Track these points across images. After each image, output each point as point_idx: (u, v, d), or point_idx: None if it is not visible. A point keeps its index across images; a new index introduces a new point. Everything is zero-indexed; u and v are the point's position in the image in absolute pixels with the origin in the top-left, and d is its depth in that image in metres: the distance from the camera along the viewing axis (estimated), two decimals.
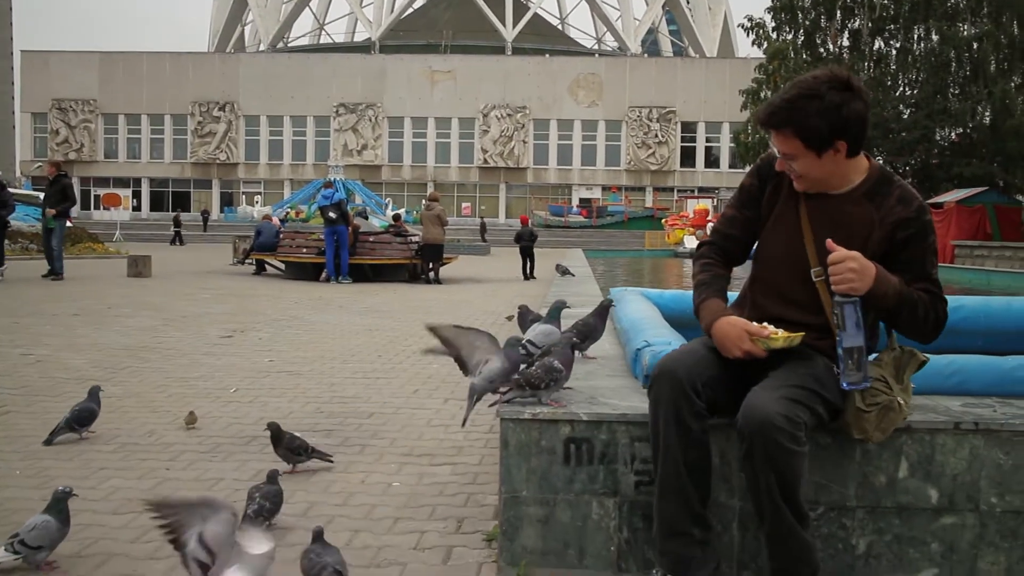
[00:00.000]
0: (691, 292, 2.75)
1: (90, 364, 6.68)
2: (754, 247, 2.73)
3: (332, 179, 24.49)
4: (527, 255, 19.52)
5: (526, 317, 3.97)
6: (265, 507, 3.17)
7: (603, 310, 3.69)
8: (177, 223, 40.03)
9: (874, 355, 2.56)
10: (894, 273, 2.45)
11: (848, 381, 2.40)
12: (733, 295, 2.80)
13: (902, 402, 2.49)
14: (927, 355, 2.61)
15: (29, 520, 2.79)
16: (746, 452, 2.34)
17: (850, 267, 2.34)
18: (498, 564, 2.76)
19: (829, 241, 2.40)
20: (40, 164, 59.13)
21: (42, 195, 16.33)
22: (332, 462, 3.95)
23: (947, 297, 2.57)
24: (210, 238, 40.59)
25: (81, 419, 4.42)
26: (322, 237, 17.35)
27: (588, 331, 3.59)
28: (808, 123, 2.37)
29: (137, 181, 62.05)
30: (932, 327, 2.49)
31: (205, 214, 49.42)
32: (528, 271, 19.30)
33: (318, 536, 2.63)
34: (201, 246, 35.31)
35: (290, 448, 3.80)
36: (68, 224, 18.60)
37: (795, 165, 2.45)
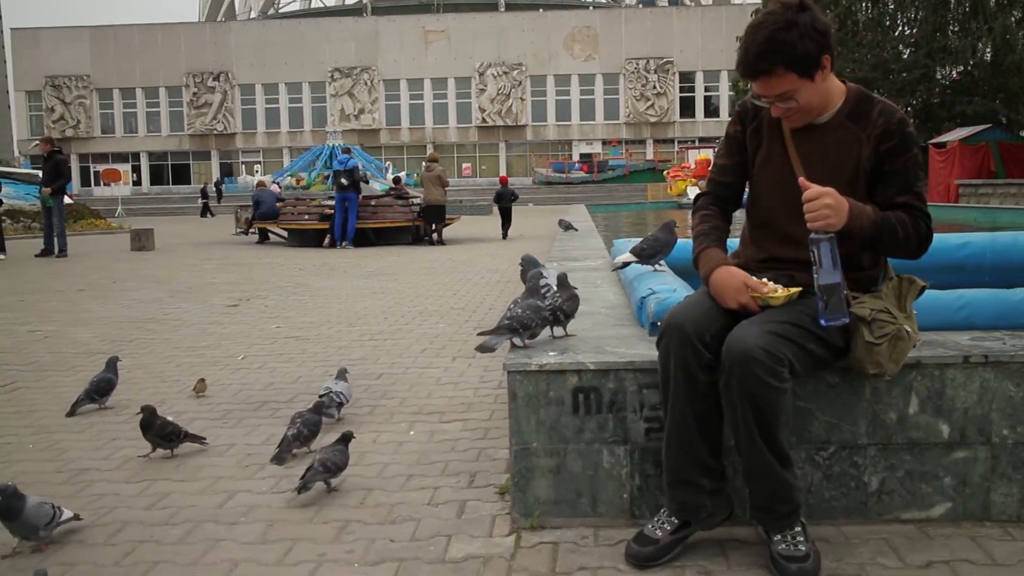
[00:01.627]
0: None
1: (98, 338, 6.70)
2: (746, 194, 2.72)
3: (349, 146, 24.31)
4: (506, 216, 19.29)
5: (527, 269, 3.96)
6: (303, 433, 3.54)
7: (669, 226, 3.73)
8: (205, 195, 40.10)
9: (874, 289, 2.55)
10: (879, 187, 2.46)
11: (826, 318, 2.38)
12: (734, 243, 2.78)
13: (909, 330, 2.48)
14: (926, 281, 2.59)
15: None
16: (725, 383, 2.35)
17: (825, 203, 2.32)
18: (511, 516, 2.77)
19: (802, 180, 2.39)
20: (37, 143, 58.95)
21: (40, 173, 16.28)
22: (205, 445, 3.76)
23: (953, 235, 2.56)
24: (222, 208, 40.40)
25: (100, 389, 4.46)
26: (324, 203, 17.31)
27: (659, 246, 3.67)
28: (797, 51, 2.34)
29: (136, 155, 61.79)
30: (916, 245, 2.46)
31: (218, 185, 48.79)
32: (505, 231, 18.95)
33: (342, 438, 3.16)
34: (220, 217, 35.19)
35: (161, 435, 3.61)
36: (68, 201, 18.57)
37: (797, 98, 2.41)
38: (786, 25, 2.33)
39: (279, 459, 3.42)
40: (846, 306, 2.39)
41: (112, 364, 4.61)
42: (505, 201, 19.54)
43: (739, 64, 2.44)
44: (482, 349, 2.86)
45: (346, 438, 3.27)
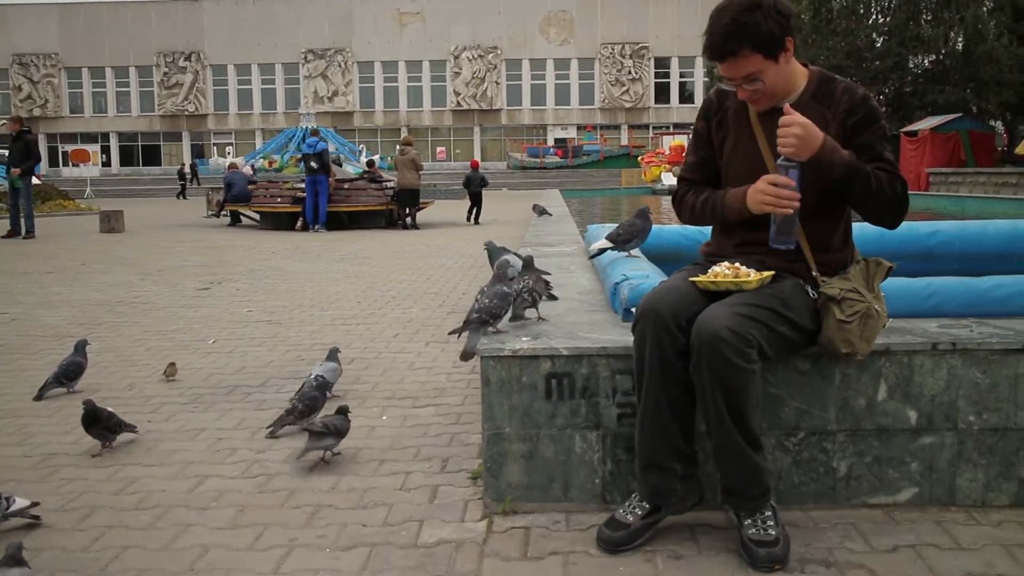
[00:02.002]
0: (668, 227, 2.77)
1: (66, 321, 6.62)
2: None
3: (317, 127, 24.09)
4: (476, 201, 18.89)
5: (495, 254, 3.98)
6: (298, 408, 3.67)
7: (644, 212, 3.75)
8: (181, 176, 39.75)
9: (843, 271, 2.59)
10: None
11: (774, 240, 2.49)
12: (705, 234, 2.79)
13: (879, 309, 2.52)
14: (892, 263, 2.63)
15: None
16: (694, 365, 2.37)
17: (794, 132, 2.38)
18: (484, 501, 2.78)
19: (786, 106, 2.45)
20: (4, 121, 58.05)
21: (7, 152, 16.01)
22: (137, 432, 3.69)
23: (923, 223, 2.59)
24: (199, 191, 40.00)
25: (68, 373, 4.41)
26: (296, 186, 17.19)
27: (634, 231, 3.69)
28: (761, 32, 2.39)
29: (105, 136, 61.03)
30: (891, 203, 2.49)
31: (194, 167, 47.63)
32: (475, 217, 18.61)
33: (338, 411, 3.35)
34: (192, 199, 34.83)
35: (108, 427, 3.49)
36: (36, 181, 18.29)
37: (763, 79, 2.45)
38: (750, 7, 2.39)
39: (272, 432, 3.64)
40: (795, 235, 2.49)
41: (81, 347, 4.56)
42: (475, 186, 19.18)
43: (706, 47, 2.47)
44: (465, 357, 2.88)
45: (342, 411, 3.37)
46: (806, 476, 2.68)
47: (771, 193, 2.45)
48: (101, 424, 3.48)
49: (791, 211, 2.44)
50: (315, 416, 3.62)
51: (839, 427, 2.66)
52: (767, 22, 2.38)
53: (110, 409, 3.61)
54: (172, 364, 4.75)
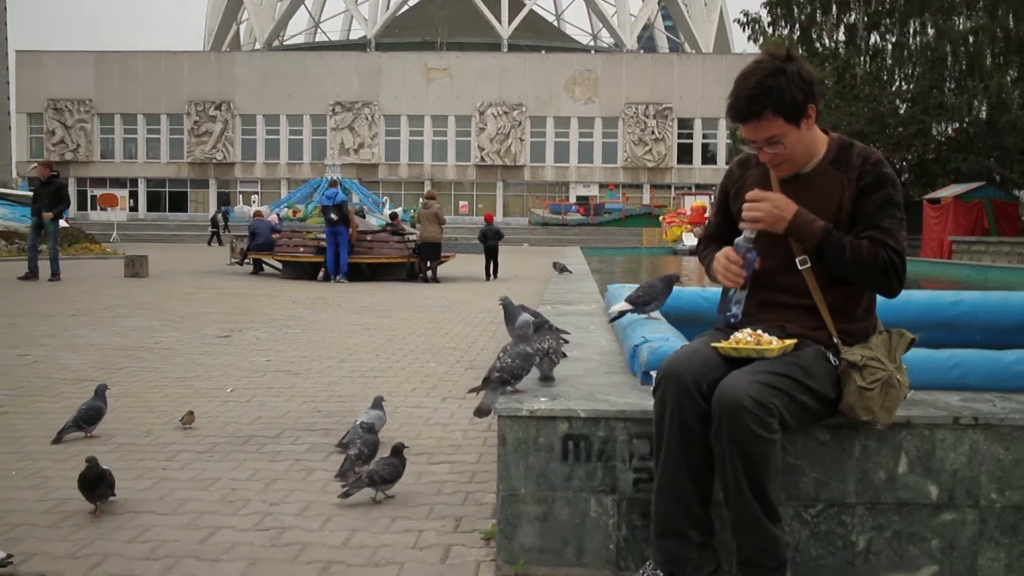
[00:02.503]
0: (688, 289, 2.79)
1: (87, 364, 6.66)
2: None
3: (337, 178, 24.31)
4: (492, 255, 18.42)
5: (511, 312, 3.85)
6: (364, 452, 3.72)
7: (669, 279, 3.76)
8: (215, 223, 40.04)
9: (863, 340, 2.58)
10: (853, 223, 2.53)
11: (717, 310, 2.59)
12: None
13: (900, 379, 2.50)
14: (915, 335, 2.62)
15: None
16: (715, 431, 2.36)
17: (763, 207, 2.50)
18: (496, 563, 2.75)
19: (756, 191, 2.55)
20: (35, 166, 58.99)
21: (32, 195, 16.25)
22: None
23: (946, 292, 2.58)
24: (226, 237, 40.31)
25: (88, 417, 4.42)
26: (319, 236, 17.33)
27: (654, 293, 3.68)
28: (785, 97, 2.44)
29: (134, 181, 61.87)
30: (875, 272, 2.48)
31: (225, 214, 46.87)
32: (492, 271, 18.25)
33: (393, 451, 3.46)
34: (217, 247, 35.22)
35: (109, 484, 3.36)
36: (63, 224, 18.53)
37: (784, 142, 2.49)
38: (775, 72, 2.45)
39: (342, 474, 3.67)
40: (736, 309, 2.58)
41: (101, 392, 4.58)
42: (491, 239, 18.77)
43: (730, 108, 2.53)
44: (480, 414, 2.88)
45: (397, 450, 3.44)
46: (824, 549, 2.64)
47: (722, 263, 2.57)
48: (106, 484, 3.33)
49: (734, 286, 2.55)
50: (375, 458, 3.69)
51: (858, 500, 2.63)
52: (791, 88, 2.44)
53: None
54: (190, 412, 4.75)
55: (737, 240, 2.56)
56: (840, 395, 2.51)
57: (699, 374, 2.43)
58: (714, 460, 2.41)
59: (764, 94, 2.44)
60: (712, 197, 51.11)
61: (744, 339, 2.49)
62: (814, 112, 2.51)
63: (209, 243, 38.05)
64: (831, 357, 2.52)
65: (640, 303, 3.72)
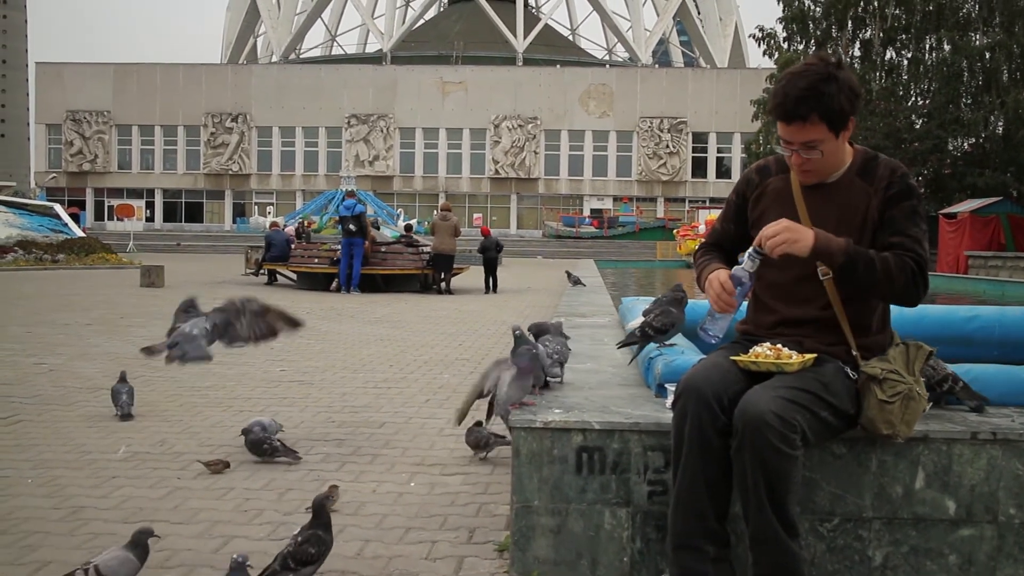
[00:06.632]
0: (703, 302, 2.77)
1: (102, 373, 6.70)
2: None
3: (354, 190, 24.35)
4: (491, 268, 17.99)
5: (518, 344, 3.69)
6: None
7: (680, 300, 3.49)
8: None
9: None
10: (877, 232, 2.51)
11: (699, 327, 2.58)
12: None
13: (920, 392, 2.48)
14: (932, 348, 2.61)
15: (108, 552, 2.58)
16: (736, 447, 2.34)
17: (784, 237, 2.40)
18: (509, 574, 2.74)
19: (759, 236, 2.47)
20: (54, 175, 59.50)
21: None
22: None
23: (962, 307, 2.56)
24: (236, 247, 40.15)
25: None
26: (333, 247, 17.37)
27: (671, 320, 3.46)
28: (833, 104, 2.41)
29: (150, 192, 62.27)
30: (903, 283, 2.44)
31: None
32: (492, 285, 17.88)
33: (315, 513, 2.65)
34: (220, 256, 35.34)
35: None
36: (81, 233, 18.68)
37: (823, 149, 2.47)
38: (827, 78, 2.42)
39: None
40: (718, 333, 2.56)
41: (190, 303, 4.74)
42: (491, 252, 18.36)
43: (776, 107, 2.47)
44: (460, 421, 2.92)
45: (316, 509, 2.65)
46: (840, 564, 2.62)
47: (716, 289, 2.51)
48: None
49: (722, 313, 2.54)
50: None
51: (875, 514, 2.61)
52: (839, 96, 2.42)
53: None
54: (225, 463, 4.14)
55: (736, 269, 2.51)
56: (859, 410, 2.49)
57: (719, 388, 2.42)
58: (732, 474, 2.39)
59: (814, 97, 2.41)
60: None
61: (764, 353, 2.48)
62: (853, 125, 2.49)
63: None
64: (849, 372, 2.51)
65: (657, 331, 3.38)
